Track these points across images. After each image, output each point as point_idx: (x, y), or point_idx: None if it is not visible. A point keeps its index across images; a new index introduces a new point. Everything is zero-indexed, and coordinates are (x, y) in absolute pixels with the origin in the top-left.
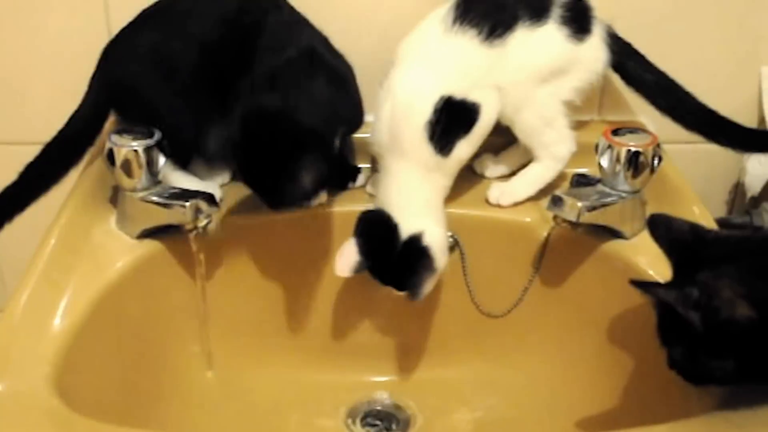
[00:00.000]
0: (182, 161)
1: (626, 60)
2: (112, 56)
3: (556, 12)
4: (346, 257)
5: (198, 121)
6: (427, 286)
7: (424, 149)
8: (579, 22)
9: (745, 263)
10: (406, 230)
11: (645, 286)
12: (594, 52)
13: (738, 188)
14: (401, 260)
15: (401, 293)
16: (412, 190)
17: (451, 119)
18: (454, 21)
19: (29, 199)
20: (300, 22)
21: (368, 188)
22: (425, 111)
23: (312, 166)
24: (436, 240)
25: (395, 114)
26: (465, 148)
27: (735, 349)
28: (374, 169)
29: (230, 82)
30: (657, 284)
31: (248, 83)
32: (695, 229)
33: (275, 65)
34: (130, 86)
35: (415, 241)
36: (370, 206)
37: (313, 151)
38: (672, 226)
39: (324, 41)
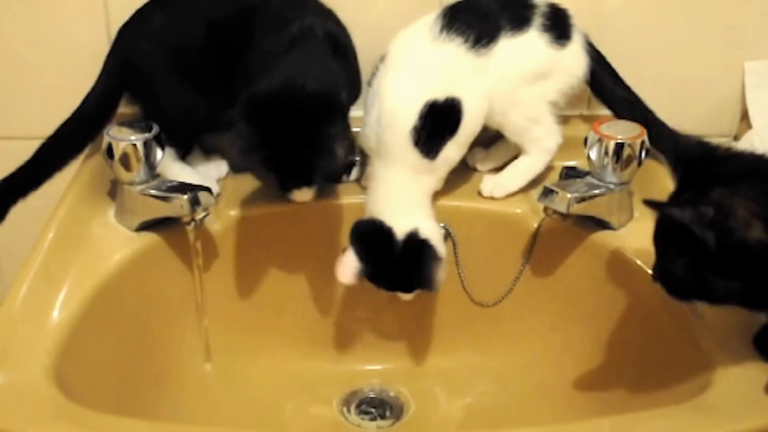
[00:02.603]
0: (183, 147)
1: (600, 72)
2: (126, 35)
3: (537, 21)
4: (347, 265)
5: (203, 104)
6: (440, 275)
7: (410, 154)
8: (559, 29)
9: (760, 183)
10: (401, 230)
11: (658, 205)
12: (575, 57)
13: None
14: (405, 259)
15: (409, 296)
16: (400, 193)
17: (437, 123)
18: (442, 29)
19: (43, 176)
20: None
21: (363, 181)
22: (411, 118)
23: (343, 135)
24: (432, 232)
25: (382, 121)
26: (453, 149)
27: (743, 270)
28: (364, 162)
29: (236, 65)
30: (669, 204)
31: (255, 63)
32: (702, 144)
33: (279, 45)
34: (139, 64)
35: (414, 236)
36: (363, 197)
37: (340, 121)
38: (678, 140)
39: (327, 14)
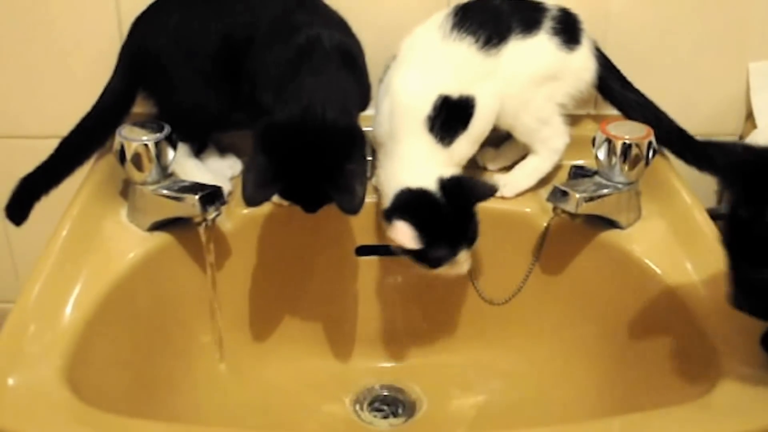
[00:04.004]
0: (194, 142)
1: (608, 77)
2: (141, 28)
3: (547, 24)
4: (404, 230)
5: (212, 102)
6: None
7: (426, 138)
8: (569, 33)
9: None
10: (431, 184)
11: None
12: (584, 61)
13: None
14: (452, 198)
15: (467, 261)
16: (418, 160)
17: (450, 115)
18: (453, 28)
19: (65, 172)
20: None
21: (374, 181)
22: (424, 107)
23: (362, 171)
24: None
25: (395, 111)
26: (465, 144)
27: None
28: (374, 162)
29: (242, 70)
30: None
31: (261, 70)
32: (749, 148)
33: (286, 55)
34: (154, 57)
35: (447, 179)
36: (376, 198)
37: (359, 155)
38: (723, 148)
39: (336, 23)
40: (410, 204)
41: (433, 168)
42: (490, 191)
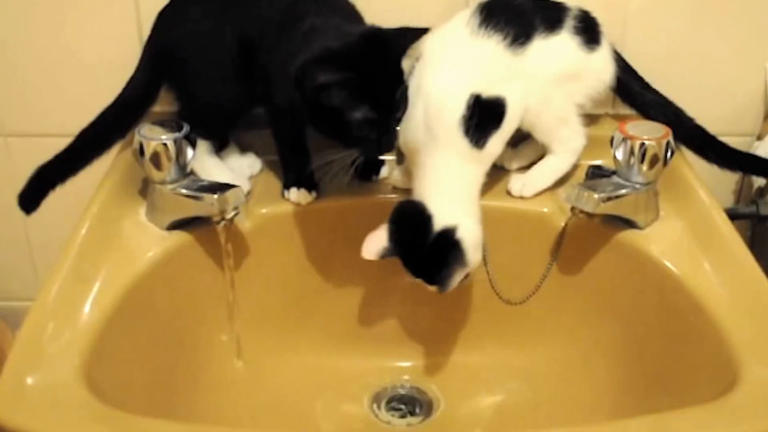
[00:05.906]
0: (213, 138)
1: (626, 78)
2: (163, 21)
3: (569, 23)
4: (375, 242)
5: (230, 97)
6: (455, 280)
7: (461, 142)
8: (589, 33)
9: None
10: (440, 222)
11: None
12: (603, 62)
13: (745, 179)
14: (432, 252)
15: (431, 287)
16: (450, 180)
17: (483, 114)
18: (480, 25)
19: (82, 162)
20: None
21: (392, 180)
22: (458, 108)
23: None
24: (469, 235)
25: (430, 112)
26: (497, 142)
27: None
28: (399, 161)
29: (255, 67)
30: None
31: (275, 64)
32: None
33: (295, 41)
34: (174, 51)
35: (448, 233)
36: (394, 197)
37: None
38: None
39: (347, 11)
40: (406, 223)
41: (463, 190)
42: (443, 282)
